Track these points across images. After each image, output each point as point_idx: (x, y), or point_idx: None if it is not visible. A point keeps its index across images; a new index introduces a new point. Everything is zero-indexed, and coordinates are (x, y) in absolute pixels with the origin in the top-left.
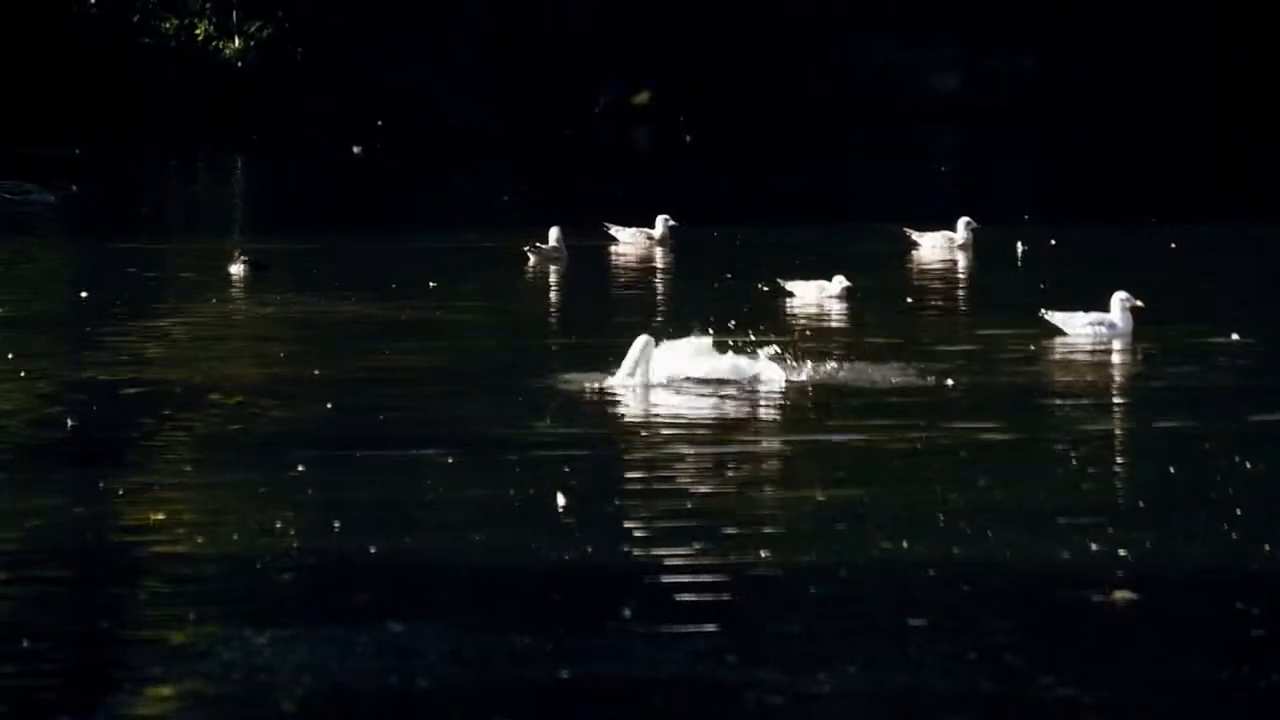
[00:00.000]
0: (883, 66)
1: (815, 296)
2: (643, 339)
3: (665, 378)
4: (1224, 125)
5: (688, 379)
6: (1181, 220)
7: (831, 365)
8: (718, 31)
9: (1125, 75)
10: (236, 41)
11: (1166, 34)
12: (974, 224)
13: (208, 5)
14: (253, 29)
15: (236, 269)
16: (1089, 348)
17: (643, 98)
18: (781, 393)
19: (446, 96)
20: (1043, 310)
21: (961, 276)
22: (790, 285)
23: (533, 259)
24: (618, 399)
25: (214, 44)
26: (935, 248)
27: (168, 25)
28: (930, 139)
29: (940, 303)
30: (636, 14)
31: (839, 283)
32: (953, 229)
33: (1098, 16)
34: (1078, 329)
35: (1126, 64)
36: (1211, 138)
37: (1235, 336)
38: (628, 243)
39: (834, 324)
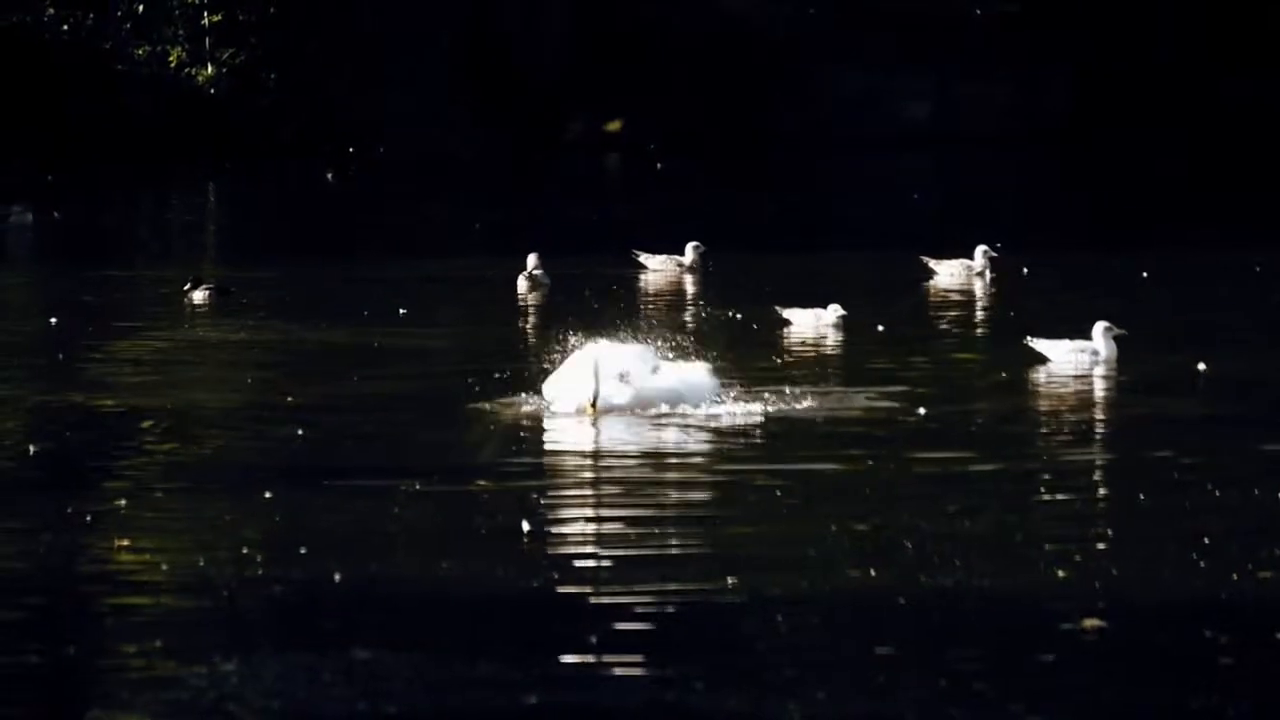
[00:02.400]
0: (854, 94)
1: (811, 325)
2: (593, 357)
3: (609, 401)
4: (1196, 153)
5: (635, 405)
6: (1153, 249)
7: (805, 393)
8: (689, 60)
9: (1097, 104)
10: (209, 68)
11: (1139, 62)
12: (992, 252)
13: (181, 32)
14: (225, 56)
15: (200, 295)
16: (1070, 376)
17: (614, 125)
18: (750, 420)
19: (419, 123)
20: (1027, 338)
21: (965, 304)
22: (786, 314)
23: (523, 285)
24: (584, 426)
25: (187, 71)
26: (953, 276)
27: (141, 52)
28: (902, 167)
29: (934, 330)
30: (609, 42)
31: (834, 311)
32: (970, 256)
33: (1070, 45)
34: (1061, 357)
35: (1099, 92)
36: (1184, 166)
37: (1202, 366)
38: (657, 270)
39: (822, 352)
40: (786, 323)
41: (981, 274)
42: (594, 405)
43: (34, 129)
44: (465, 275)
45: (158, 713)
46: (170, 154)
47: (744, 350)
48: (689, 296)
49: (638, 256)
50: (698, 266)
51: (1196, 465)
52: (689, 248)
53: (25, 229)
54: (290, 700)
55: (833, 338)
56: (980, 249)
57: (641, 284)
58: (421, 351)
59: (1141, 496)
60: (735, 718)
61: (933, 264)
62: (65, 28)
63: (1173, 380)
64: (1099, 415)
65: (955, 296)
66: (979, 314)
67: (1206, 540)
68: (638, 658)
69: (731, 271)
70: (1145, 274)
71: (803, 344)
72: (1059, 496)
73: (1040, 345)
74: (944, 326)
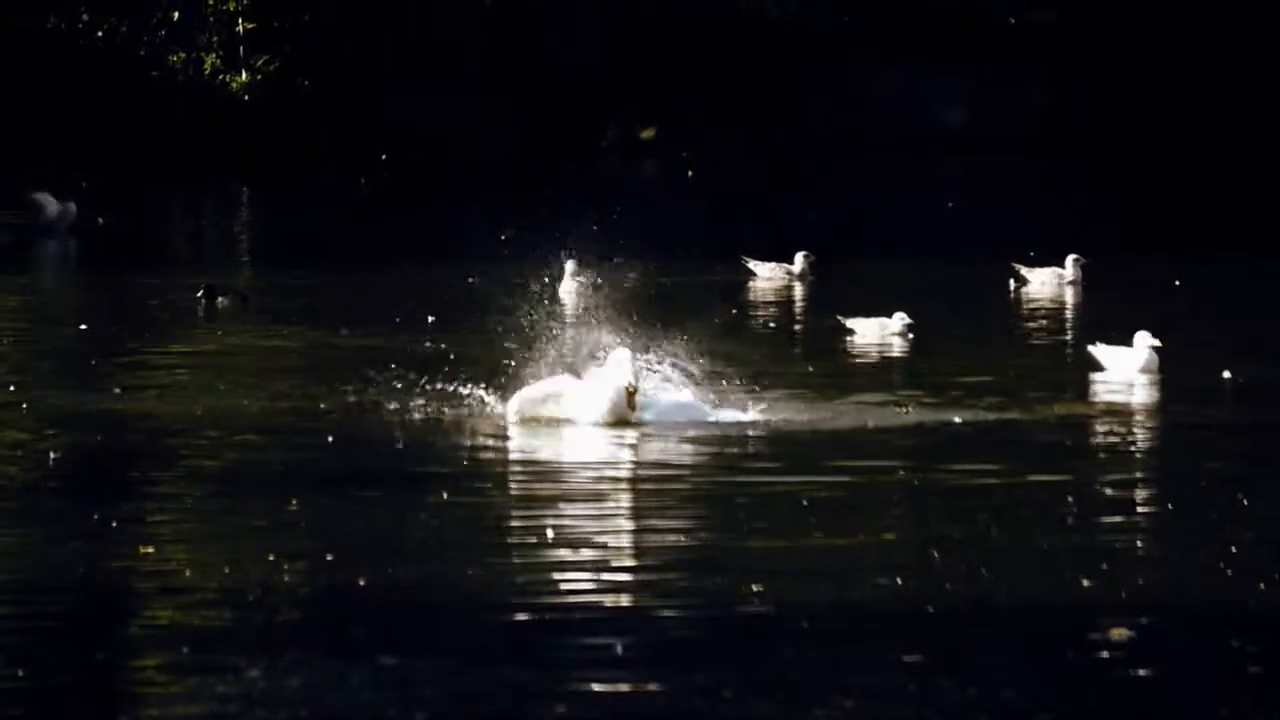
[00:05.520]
0: (888, 100)
1: (876, 334)
2: (624, 353)
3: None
4: (1230, 159)
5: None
6: (1186, 255)
7: (847, 401)
8: (724, 65)
9: (1131, 109)
10: (244, 75)
11: (1172, 68)
12: (1083, 260)
13: (215, 39)
14: (260, 62)
15: (224, 301)
16: (1114, 386)
17: (649, 133)
18: (782, 429)
19: (453, 130)
20: (1096, 343)
21: (1044, 313)
22: (850, 323)
23: (568, 289)
24: (614, 435)
25: (221, 77)
26: (1044, 284)
27: (175, 59)
28: (937, 172)
29: (1003, 338)
30: (643, 49)
31: (900, 320)
32: (1060, 264)
33: (1104, 50)
34: (1117, 364)
35: (1132, 98)
36: (1218, 172)
37: (1227, 374)
38: (766, 278)
39: (878, 361)
40: (850, 332)
41: (1074, 282)
42: (633, 392)
43: (68, 135)
44: (498, 282)
45: (185, 718)
46: (204, 160)
47: (796, 359)
48: (797, 303)
49: (746, 263)
50: (806, 274)
51: (1226, 474)
52: (799, 256)
53: (67, 220)
54: (318, 707)
55: (896, 347)
56: (1071, 257)
57: (751, 292)
58: (452, 358)
59: (1170, 505)
60: None
61: (1025, 271)
62: (100, 34)
63: (1204, 389)
64: (1132, 425)
65: (1040, 304)
66: (1053, 322)
67: (1235, 549)
68: (666, 666)
69: (839, 279)
70: (1178, 281)
71: (863, 353)
72: (1088, 505)
73: (1101, 351)
74: (1014, 334)
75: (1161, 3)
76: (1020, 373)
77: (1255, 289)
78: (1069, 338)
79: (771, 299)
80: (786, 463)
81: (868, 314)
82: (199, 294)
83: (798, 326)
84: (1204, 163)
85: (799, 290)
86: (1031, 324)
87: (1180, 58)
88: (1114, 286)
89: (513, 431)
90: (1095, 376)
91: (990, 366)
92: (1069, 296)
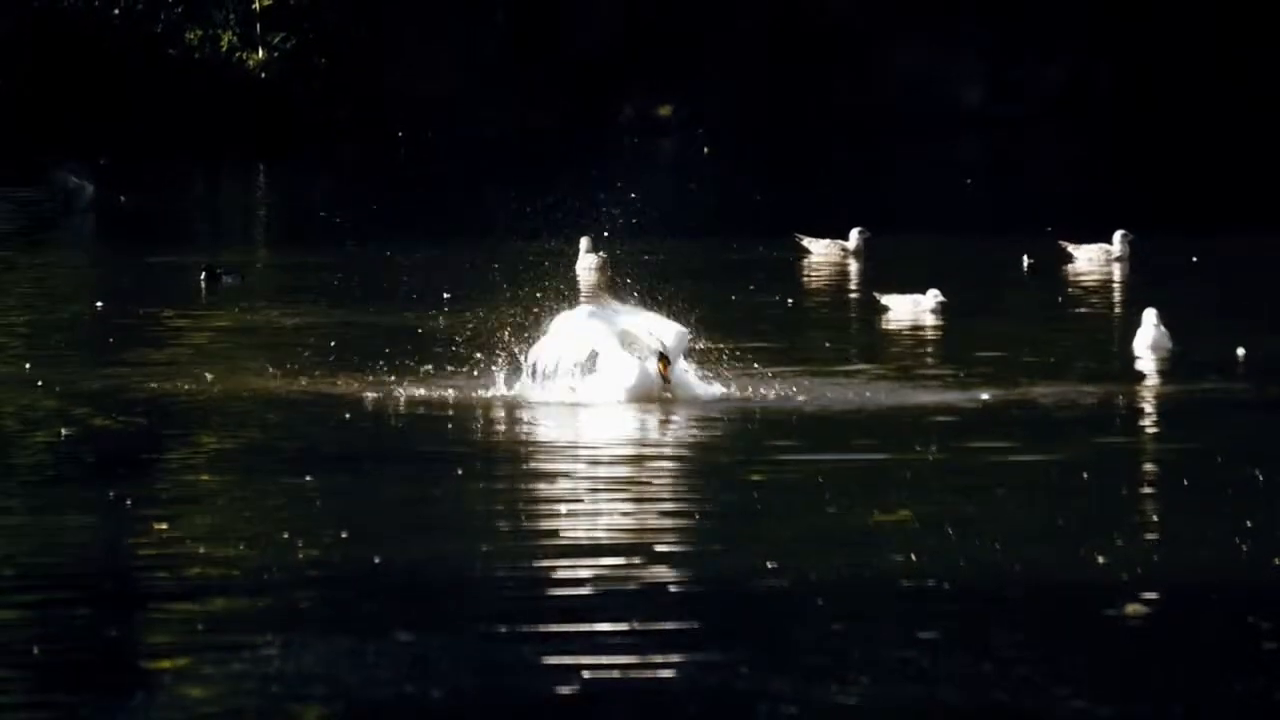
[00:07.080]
0: (907, 78)
1: (910, 310)
2: (645, 328)
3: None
4: (1250, 135)
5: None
6: (1203, 233)
7: (872, 379)
8: (741, 44)
9: (1151, 86)
10: (260, 52)
11: (1193, 45)
12: (1130, 236)
13: (232, 16)
14: (276, 40)
15: (229, 280)
16: (1128, 364)
17: (666, 109)
18: (803, 407)
19: (470, 108)
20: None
21: (1085, 290)
22: (885, 299)
23: (587, 265)
24: (633, 412)
25: (238, 55)
26: (1091, 261)
27: (192, 36)
28: (955, 150)
29: (1031, 316)
30: (661, 26)
31: (933, 297)
32: (1108, 241)
33: (1124, 27)
34: (1145, 342)
35: (1152, 75)
36: (1239, 147)
37: (1241, 351)
38: (821, 254)
39: (910, 338)
40: (885, 309)
41: (1121, 259)
42: (666, 364)
43: (85, 112)
44: (516, 258)
45: (200, 698)
46: (220, 138)
47: (827, 335)
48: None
49: (800, 240)
50: (861, 251)
51: (1240, 450)
52: (854, 233)
53: (85, 198)
54: (334, 684)
55: (929, 324)
56: (1119, 234)
57: (804, 268)
58: (468, 335)
59: (1185, 482)
60: (779, 701)
61: (1071, 248)
62: (116, 11)
63: (1218, 365)
64: (1146, 401)
65: (1086, 281)
66: (1087, 299)
67: (1249, 525)
68: (682, 643)
69: (893, 257)
70: (1194, 259)
71: (896, 330)
72: (1103, 482)
73: (1149, 334)
74: (1049, 311)
75: None
76: (1046, 350)
77: (1267, 266)
78: (1111, 313)
79: (819, 276)
80: (804, 440)
81: (902, 290)
82: (201, 274)
83: (833, 303)
84: (1226, 135)
85: (853, 267)
86: (1067, 301)
87: (1199, 31)
88: (1156, 263)
89: (525, 408)
90: (1118, 354)
91: (1019, 343)
92: (1116, 273)
